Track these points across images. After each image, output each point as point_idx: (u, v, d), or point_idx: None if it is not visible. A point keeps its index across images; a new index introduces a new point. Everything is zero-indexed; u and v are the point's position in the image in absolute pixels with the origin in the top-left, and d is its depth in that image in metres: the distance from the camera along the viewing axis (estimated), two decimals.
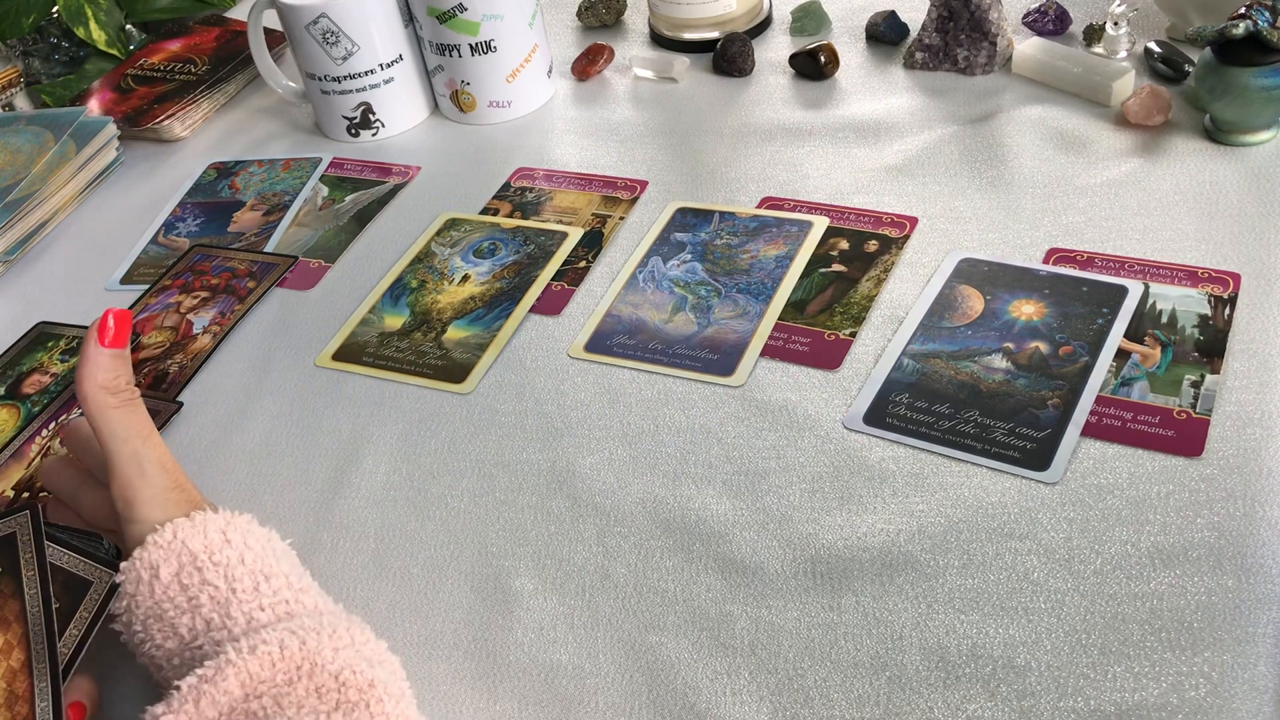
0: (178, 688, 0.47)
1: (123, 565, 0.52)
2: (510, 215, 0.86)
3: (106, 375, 0.57)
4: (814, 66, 0.94)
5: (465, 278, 0.81)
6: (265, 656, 0.47)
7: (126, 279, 0.88)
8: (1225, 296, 0.67)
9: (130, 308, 0.84)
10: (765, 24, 1.03)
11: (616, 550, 0.60)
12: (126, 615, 0.53)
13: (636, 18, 1.09)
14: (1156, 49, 0.87)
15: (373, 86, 0.96)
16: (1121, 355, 0.65)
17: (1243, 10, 0.75)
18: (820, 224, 0.79)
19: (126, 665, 0.59)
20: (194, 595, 0.51)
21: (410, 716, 0.49)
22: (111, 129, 1.01)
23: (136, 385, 0.56)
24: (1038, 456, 0.60)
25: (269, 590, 0.51)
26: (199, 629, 0.50)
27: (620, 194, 0.86)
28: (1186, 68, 0.84)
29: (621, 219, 0.84)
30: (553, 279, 0.79)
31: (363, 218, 0.89)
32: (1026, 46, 0.89)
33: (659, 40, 1.04)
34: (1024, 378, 0.65)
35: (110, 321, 0.59)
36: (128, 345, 0.59)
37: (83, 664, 0.54)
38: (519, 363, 0.73)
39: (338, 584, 0.61)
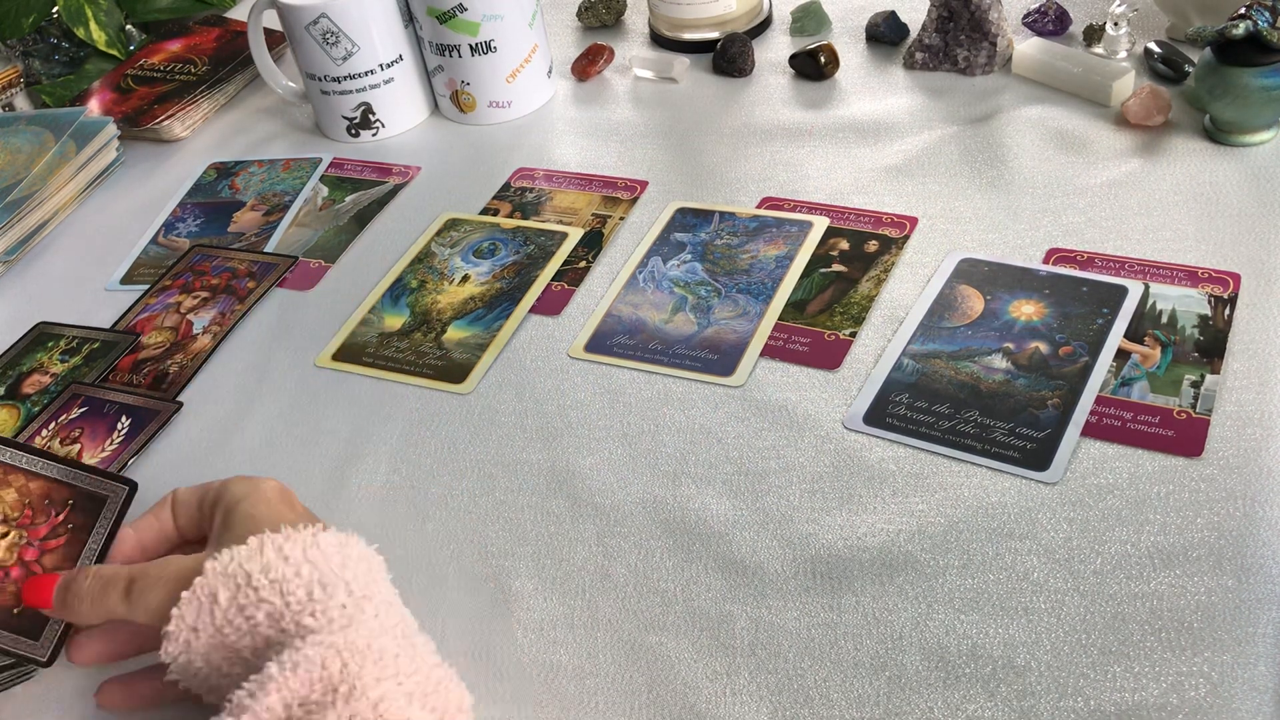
0: (229, 701, 0.47)
1: (183, 596, 0.51)
2: (510, 215, 0.86)
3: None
4: (814, 67, 0.94)
5: (465, 278, 0.81)
6: (306, 675, 0.46)
7: (126, 279, 0.88)
8: (1225, 296, 0.67)
9: (131, 307, 0.84)
10: (765, 24, 1.03)
11: (616, 550, 0.60)
12: (186, 655, 0.51)
13: (636, 18, 1.09)
14: (1156, 49, 0.87)
15: (373, 87, 0.96)
16: (1121, 355, 0.65)
17: (1243, 10, 0.75)
18: (820, 224, 0.79)
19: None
20: (251, 615, 0.50)
21: None
22: (111, 129, 1.01)
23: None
24: (1038, 456, 0.60)
25: (322, 597, 0.50)
26: (260, 648, 0.49)
27: (620, 194, 0.86)
28: (1186, 68, 0.84)
29: (621, 219, 0.84)
30: (553, 279, 0.79)
31: (363, 218, 0.89)
32: (1026, 46, 0.89)
33: (659, 40, 1.04)
34: (1024, 378, 0.65)
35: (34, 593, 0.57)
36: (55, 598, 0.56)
37: (81, 678, 0.56)
38: (519, 363, 0.73)
39: None
